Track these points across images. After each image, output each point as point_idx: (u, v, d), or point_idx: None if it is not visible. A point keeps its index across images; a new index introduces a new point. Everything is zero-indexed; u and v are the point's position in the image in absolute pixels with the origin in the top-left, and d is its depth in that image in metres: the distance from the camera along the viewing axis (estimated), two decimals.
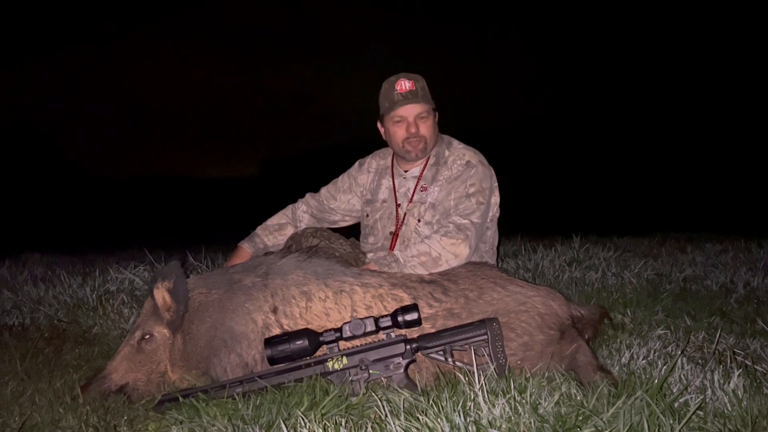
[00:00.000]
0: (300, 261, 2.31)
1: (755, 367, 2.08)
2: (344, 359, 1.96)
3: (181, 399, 1.93)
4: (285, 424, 1.63)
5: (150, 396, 2.11)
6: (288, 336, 1.99)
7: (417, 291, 2.27)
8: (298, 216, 3.03)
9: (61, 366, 2.48)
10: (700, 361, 2.24)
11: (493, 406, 1.60)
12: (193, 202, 26.19)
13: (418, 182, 2.83)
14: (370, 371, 1.95)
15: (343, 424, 1.66)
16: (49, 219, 18.90)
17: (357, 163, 3.08)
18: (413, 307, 2.01)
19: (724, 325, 2.77)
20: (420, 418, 1.57)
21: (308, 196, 3.09)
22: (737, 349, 2.37)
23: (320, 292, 2.22)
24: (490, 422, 1.55)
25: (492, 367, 1.93)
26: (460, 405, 1.61)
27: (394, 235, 2.81)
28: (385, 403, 1.68)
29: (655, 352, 2.31)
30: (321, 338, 2.00)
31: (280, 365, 1.99)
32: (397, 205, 2.85)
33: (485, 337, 1.97)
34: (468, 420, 1.55)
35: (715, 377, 1.94)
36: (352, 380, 1.93)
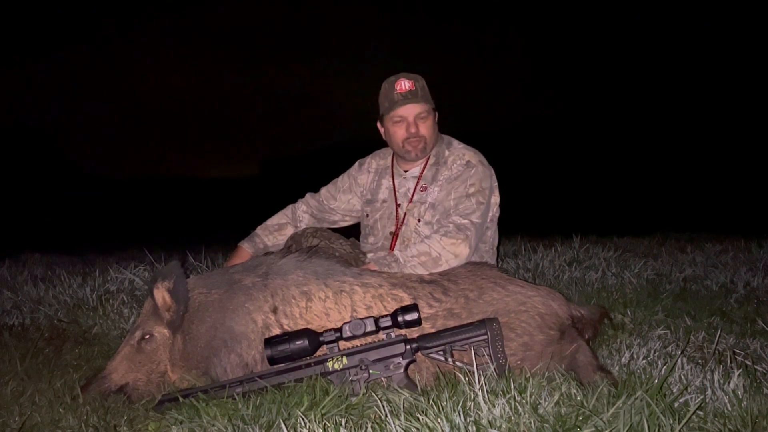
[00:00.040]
0: (300, 261, 2.31)
1: (755, 367, 2.08)
2: (344, 359, 1.96)
3: (181, 399, 1.93)
4: (285, 424, 1.63)
5: (150, 396, 2.11)
6: (288, 336, 1.99)
7: (417, 291, 2.27)
8: (298, 216, 3.03)
9: (61, 366, 2.48)
10: (700, 361, 2.24)
11: (493, 406, 1.60)
12: (193, 202, 26.18)
13: (418, 182, 2.83)
14: (370, 371, 1.95)
15: (343, 424, 1.66)
16: (49, 219, 18.88)
17: (357, 163, 3.08)
18: (413, 307, 2.01)
19: (724, 325, 2.77)
20: (420, 418, 1.57)
21: (308, 196, 3.09)
22: (737, 349, 2.37)
23: (320, 292, 2.22)
24: (490, 422, 1.55)
25: (492, 367, 1.93)
26: (460, 405, 1.61)
27: (394, 235, 2.81)
28: (385, 403, 1.68)
29: (655, 352, 2.31)
30: (321, 338, 2.00)
31: (280, 365, 1.99)
32: (397, 205, 2.85)
33: (485, 337, 1.97)
34: (468, 420, 1.55)
35: (715, 377, 1.94)
36: (352, 380, 1.93)
